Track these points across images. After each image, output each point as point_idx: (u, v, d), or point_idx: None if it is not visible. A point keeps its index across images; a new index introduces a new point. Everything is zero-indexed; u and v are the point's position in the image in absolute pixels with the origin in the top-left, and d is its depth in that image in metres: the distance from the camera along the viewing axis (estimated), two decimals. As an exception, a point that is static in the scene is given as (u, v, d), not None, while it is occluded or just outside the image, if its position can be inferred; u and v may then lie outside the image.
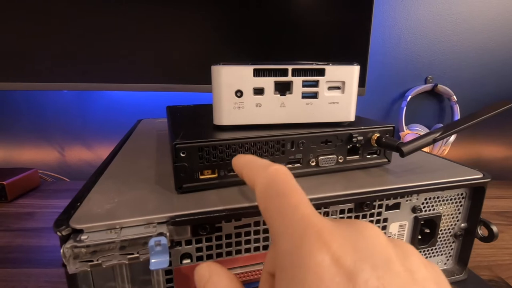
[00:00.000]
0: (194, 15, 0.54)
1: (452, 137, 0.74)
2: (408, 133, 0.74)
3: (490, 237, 0.30)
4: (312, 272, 0.12)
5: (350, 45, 0.60)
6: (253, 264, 0.25)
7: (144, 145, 0.41)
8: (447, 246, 0.32)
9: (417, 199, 0.29)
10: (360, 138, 0.29)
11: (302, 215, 0.15)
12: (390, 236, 0.29)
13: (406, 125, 0.76)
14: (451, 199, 0.30)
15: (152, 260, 0.19)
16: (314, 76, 0.28)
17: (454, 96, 0.76)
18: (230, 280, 0.17)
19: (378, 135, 0.30)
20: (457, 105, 0.76)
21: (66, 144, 0.74)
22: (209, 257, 0.24)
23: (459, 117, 0.77)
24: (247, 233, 0.24)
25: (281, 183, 0.17)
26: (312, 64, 0.28)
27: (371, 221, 0.28)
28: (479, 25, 0.76)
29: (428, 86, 0.77)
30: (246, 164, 0.20)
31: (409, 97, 0.75)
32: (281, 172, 0.17)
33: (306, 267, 0.13)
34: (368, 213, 0.27)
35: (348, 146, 0.30)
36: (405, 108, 0.75)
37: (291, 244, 0.14)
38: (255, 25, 0.56)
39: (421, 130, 0.75)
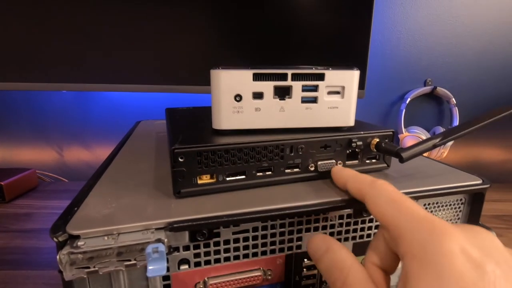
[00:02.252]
0: (194, 16, 0.54)
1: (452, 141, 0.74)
2: (407, 136, 0.74)
3: (489, 243, 0.30)
4: (445, 257, 0.14)
5: (350, 47, 0.60)
6: (251, 270, 0.25)
7: (142, 148, 0.41)
8: (445, 252, 0.32)
9: (416, 204, 0.29)
10: (359, 143, 0.29)
11: (424, 215, 0.17)
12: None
13: (405, 127, 0.76)
14: (450, 205, 0.30)
15: (150, 267, 0.19)
16: (313, 80, 0.28)
17: (453, 99, 0.76)
18: (347, 252, 0.20)
19: (377, 140, 0.29)
20: (456, 108, 0.76)
21: (64, 145, 0.74)
22: (207, 262, 0.24)
23: (458, 120, 0.77)
24: (245, 239, 0.24)
25: (393, 193, 0.19)
26: (311, 68, 0.27)
27: (370, 227, 0.28)
28: (479, 28, 0.76)
29: (427, 89, 0.77)
30: (351, 177, 0.24)
31: (408, 99, 0.75)
32: (388, 184, 0.21)
33: (438, 253, 0.15)
34: (367, 218, 0.27)
35: (348, 151, 0.29)
36: (404, 110, 0.75)
37: (420, 236, 0.16)
38: (254, 27, 0.56)
39: (420, 132, 0.75)
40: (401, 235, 0.17)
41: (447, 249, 0.15)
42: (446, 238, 0.15)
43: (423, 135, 0.75)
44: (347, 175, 0.25)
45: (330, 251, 0.20)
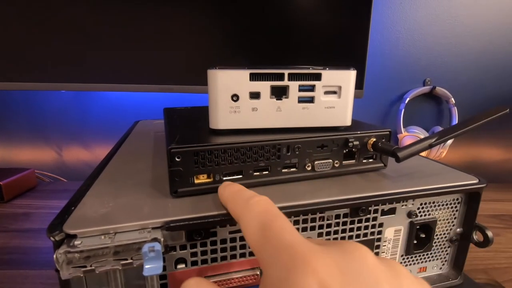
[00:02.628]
0: (194, 16, 0.54)
1: (450, 140, 0.74)
2: (406, 135, 0.74)
3: (486, 242, 0.30)
4: None
5: (349, 47, 0.60)
6: (248, 269, 0.25)
7: (141, 147, 0.41)
8: (442, 251, 0.32)
9: (412, 204, 0.29)
10: (356, 142, 0.29)
11: (287, 244, 0.15)
12: (386, 241, 0.29)
13: (404, 127, 0.76)
14: (446, 204, 0.30)
15: (146, 266, 0.19)
16: (310, 80, 0.28)
17: (452, 99, 0.76)
18: None
19: (374, 140, 0.30)
20: (455, 107, 0.76)
21: (63, 144, 0.74)
22: (204, 262, 0.24)
23: (457, 120, 0.77)
24: (242, 238, 0.24)
25: (263, 214, 0.17)
26: (308, 68, 0.28)
27: (367, 226, 0.28)
28: (478, 28, 0.76)
29: (426, 89, 0.77)
30: (231, 195, 0.21)
31: (407, 99, 0.75)
32: (261, 204, 0.18)
33: None
34: (364, 218, 0.27)
35: (344, 151, 0.30)
36: (403, 110, 0.75)
37: (279, 273, 0.14)
38: (253, 28, 0.56)
39: (419, 132, 0.75)
40: (264, 269, 0.15)
41: (303, 286, 0.13)
42: (303, 272, 0.13)
43: (422, 135, 0.75)
44: (228, 192, 0.22)
45: None
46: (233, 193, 0.21)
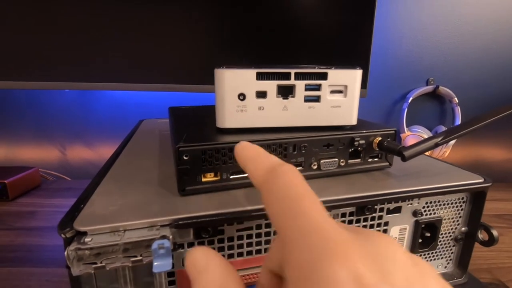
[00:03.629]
0: (198, 15, 0.54)
1: (453, 140, 0.74)
2: (409, 135, 0.74)
3: (491, 241, 0.30)
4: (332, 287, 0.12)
5: (352, 47, 0.60)
6: (255, 266, 0.25)
7: (146, 146, 0.41)
8: (447, 250, 0.32)
9: (418, 203, 0.29)
10: (361, 142, 0.29)
11: (317, 225, 0.14)
12: (391, 239, 0.29)
13: (407, 126, 0.76)
14: (451, 203, 0.30)
15: (155, 263, 0.19)
16: (316, 80, 0.28)
17: (456, 98, 0.76)
18: (228, 272, 0.16)
19: (379, 139, 0.30)
20: (458, 107, 0.76)
21: (67, 143, 0.74)
22: (211, 259, 0.24)
23: (460, 119, 0.77)
24: (249, 236, 0.25)
25: (291, 187, 0.15)
26: (314, 68, 0.28)
27: (372, 225, 0.28)
28: (482, 27, 0.76)
29: (429, 88, 0.77)
30: (252, 159, 0.19)
31: (411, 98, 0.75)
32: (290, 175, 0.16)
33: (326, 282, 0.12)
34: (369, 216, 0.28)
35: (350, 150, 0.30)
36: (406, 109, 0.75)
37: (308, 255, 0.13)
38: (256, 27, 0.56)
39: (422, 132, 0.75)
40: (288, 249, 0.14)
41: (335, 277, 0.12)
42: (336, 261, 0.12)
43: (425, 134, 0.75)
44: (250, 155, 0.19)
45: (206, 273, 0.15)
46: (256, 153, 0.19)
